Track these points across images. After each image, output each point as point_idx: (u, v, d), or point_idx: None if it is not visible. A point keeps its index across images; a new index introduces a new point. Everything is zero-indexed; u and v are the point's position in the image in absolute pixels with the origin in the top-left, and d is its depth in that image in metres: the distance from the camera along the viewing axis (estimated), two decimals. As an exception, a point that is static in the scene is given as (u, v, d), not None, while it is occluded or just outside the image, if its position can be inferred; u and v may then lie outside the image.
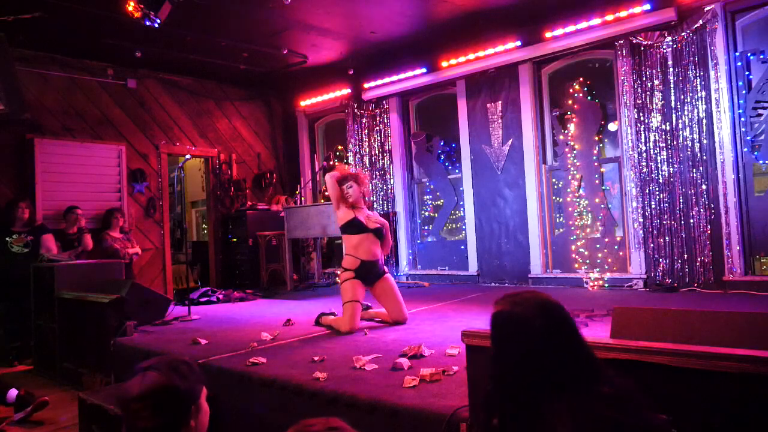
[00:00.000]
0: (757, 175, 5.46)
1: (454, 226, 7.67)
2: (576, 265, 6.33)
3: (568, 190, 6.45)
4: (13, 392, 3.91)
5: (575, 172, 6.38)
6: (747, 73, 5.38)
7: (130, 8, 4.89)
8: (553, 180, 6.71)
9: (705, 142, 5.51)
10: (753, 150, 5.37)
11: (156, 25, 4.95)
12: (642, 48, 5.83)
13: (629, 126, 5.93)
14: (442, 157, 7.72)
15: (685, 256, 5.59)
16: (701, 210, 5.51)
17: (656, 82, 5.76)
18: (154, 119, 7.77)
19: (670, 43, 5.68)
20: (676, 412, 1.44)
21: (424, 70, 7.47)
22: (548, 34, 6.42)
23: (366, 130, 8.19)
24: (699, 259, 5.51)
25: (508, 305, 1.40)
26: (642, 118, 5.84)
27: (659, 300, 5.08)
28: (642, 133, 5.85)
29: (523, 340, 1.34)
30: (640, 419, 1.22)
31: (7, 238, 5.77)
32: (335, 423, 1.13)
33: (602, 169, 6.33)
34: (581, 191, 6.35)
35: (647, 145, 5.82)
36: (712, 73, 5.45)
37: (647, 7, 5.75)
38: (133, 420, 1.44)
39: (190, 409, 1.52)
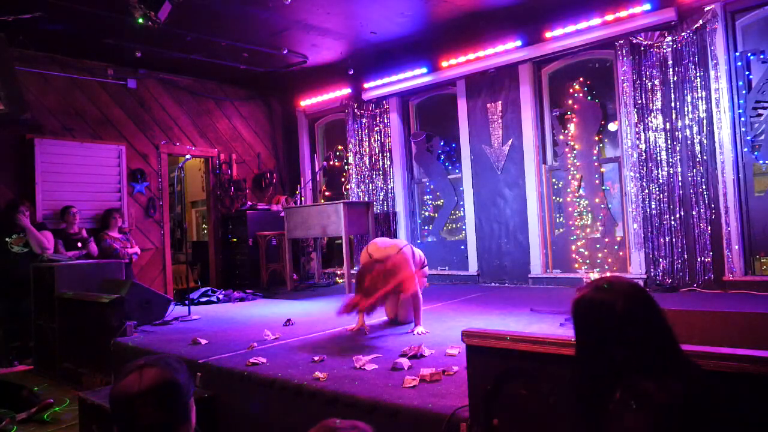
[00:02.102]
0: (757, 175, 5.45)
1: (454, 226, 7.67)
2: (576, 265, 6.32)
3: (568, 190, 6.45)
4: None
5: (575, 172, 6.38)
6: (747, 73, 5.38)
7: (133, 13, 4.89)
8: (553, 180, 6.71)
9: (705, 142, 5.50)
10: (753, 150, 5.37)
11: (156, 26, 4.96)
12: (642, 48, 5.83)
13: (629, 126, 5.93)
14: (442, 157, 7.72)
15: (685, 256, 5.59)
16: (701, 210, 5.51)
17: (656, 82, 5.76)
18: (154, 119, 7.77)
19: (670, 43, 5.68)
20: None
21: (424, 70, 7.47)
22: (548, 34, 6.42)
23: (366, 130, 8.19)
24: (699, 259, 5.51)
25: (591, 290, 1.40)
26: (642, 118, 5.84)
27: (659, 300, 5.01)
28: (642, 133, 5.85)
29: (603, 325, 1.34)
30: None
31: (7, 239, 5.77)
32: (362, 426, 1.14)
33: (602, 169, 6.33)
34: (581, 191, 6.35)
35: (647, 145, 5.81)
36: (712, 73, 5.45)
37: (647, 7, 5.75)
38: (134, 418, 1.39)
39: (189, 404, 1.50)
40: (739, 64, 5.40)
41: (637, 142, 5.86)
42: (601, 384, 1.31)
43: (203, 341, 4.07)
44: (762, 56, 5.32)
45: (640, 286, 1.42)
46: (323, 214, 6.93)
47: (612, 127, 6.31)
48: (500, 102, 6.95)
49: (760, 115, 5.31)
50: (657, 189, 5.76)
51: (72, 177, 6.84)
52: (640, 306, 1.35)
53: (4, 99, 5.74)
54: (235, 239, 8.22)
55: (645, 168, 5.83)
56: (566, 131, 6.49)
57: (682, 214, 5.61)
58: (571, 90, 6.41)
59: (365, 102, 8.13)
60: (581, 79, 6.38)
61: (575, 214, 6.36)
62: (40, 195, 6.54)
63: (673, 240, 5.66)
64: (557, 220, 6.70)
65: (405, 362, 3.02)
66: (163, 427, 1.41)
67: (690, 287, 5.53)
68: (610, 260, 6.14)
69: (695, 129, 5.55)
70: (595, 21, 6.07)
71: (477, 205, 7.18)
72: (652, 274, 5.79)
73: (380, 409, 2.49)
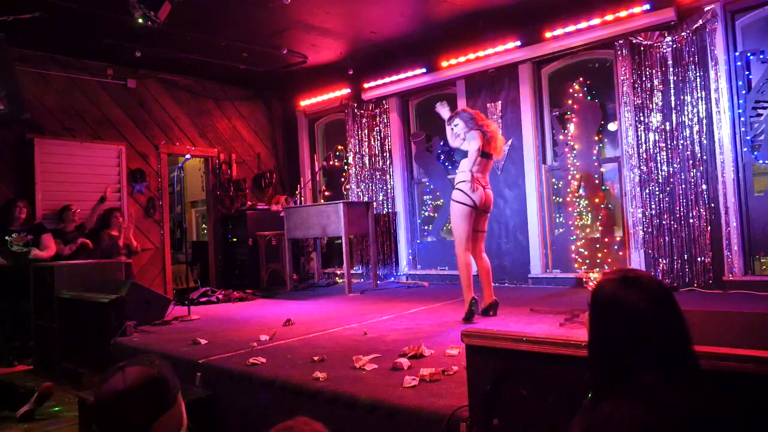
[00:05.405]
0: (757, 175, 5.45)
1: (454, 226, 7.66)
2: (576, 265, 6.32)
3: (568, 190, 6.45)
4: None
5: (575, 172, 6.38)
6: (747, 72, 5.38)
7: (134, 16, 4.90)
8: (553, 180, 6.71)
9: (705, 142, 5.51)
10: (753, 150, 5.37)
11: (156, 25, 4.96)
12: (642, 48, 5.83)
13: (629, 126, 5.93)
14: (442, 157, 7.72)
15: (685, 256, 5.59)
16: (701, 210, 5.51)
17: (656, 82, 5.76)
18: (154, 119, 7.77)
19: (670, 43, 5.68)
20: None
21: (423, 70, 7.47)
22: (548, 34, 6.42)
23: (366, 130, 8.19)
24: (699, 259, 5.51)
25: (615, 283, 1.36)
26: (642, 118, 5.84)
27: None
28: (642, 133, 5.85)
29: (622, 321, 1.31)
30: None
31: (7, 237, 5.77)
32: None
33: (602, 169, 6.33)
34: (581, 191, 6.35)
35: (647, 145, 5.81)
36: (712, 73, 5.45)
37: (647, 7, 5.75)
38: (123, 417, 1.39)
39: (178, 397, 1.50)
40: (739, 64, 5.40)
41: (637, 142, 5.86)
42: (608, 377, 1.30)
43: (203, 341, 4.07)
44: (762, 56, 5.32)
45: (664, 284, 1.39)
46: (323, 214, 6.92)
47: (612, 127, 6.31)
48: (500, 102, 6.95)
49: (759, 115, 5.31)
50: (657, 189, 5.76)
51: (72, 177, 6.84)
52: (662, 306, 1.33)
53: (4, 99, 5.74)
54: (234, 239, 8.22)
55: (645, 168, 5.83)
56: (566, 131, 6.49)
57: (682, 214, 5.61)
58: (570, 90, 6.41)
59: (365, 102, 8.13)
60: (581, 79, 6.37)
61: (575, 214, 6.36)
62: (40, 195, 6.55)
63: (673, 240, 5.66)
64: (557, 220, 6.70)
65: (405, 362, 3.02)
66: (151, 421, 1.41)
67: (690, 287, 5.53)
68: (609, 260, 6.13)
69: (695, 129, 5.55)
70: (595, 21, 6.07)
71: (477, 205, 7.17)
72: (652, 274, 5.77)
73: (380, 409, 2.49)
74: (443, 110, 4.79)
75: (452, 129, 4.66)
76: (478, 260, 4.56)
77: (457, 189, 4.45)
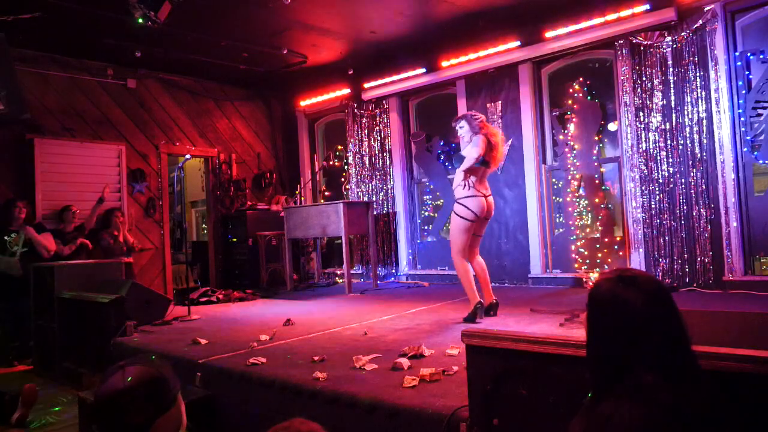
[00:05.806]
0: (757, 175, 5.45)
1: (454, 226, 7.66)
2: (576, 265, 6.32)
3: (568, 190, 6.45)
4: None
5: (575, 172, 6.38)
6: (747, 72, 5.38)
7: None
8: (553, 180, 6.71)
9: (705, 142, 5.51)
10: (753, 150, 5.37)
11: (156, 25, 4.96)
12: (642, 48, 5.83)
13: (629, 126, 5.93)
14: (442, 157, 7.72)
15: (685, 256, 5.59)
16: (701, 210, 5.51)
17: (656, 82, 5.76)
18: (154, 119, 7.77)
19: (670, 43, 5.68)
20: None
21: (423, 70, 7.47)
22: (548, 34, 6.42)
23: (366, 130, 8.19)
24: (699, 259, 5.51)
25: (613, 283, 1.35)
26: (642, 118, 5.84)
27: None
28: (642, 133, 5.85)
29: (620, 320, 1.31)
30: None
31: (6, 237, 5.77)
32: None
33: (602, 169, 6.33)
34: (581, 191, 6.35)
35: (647, 145, 5.82)
36: (712, 73, 5.45)
37: (647, 6, 5.75)
38: (123, 416, 1.38)
39: (177, 398, 1.49)
40: (739, 63, 5.40)
41: (637, 142, 5.86)
42: (608, 377, 1.30)
43: (203, 341, 4.07)
44: (762, 56, 5.32)
45: (662, 284, 1.39)
46: (323, 214, 6.92)
47: (612, 127, 6.31)
48: (500, 102, 6.95)
49: (759, 114, 5.31)
50: (657, 189, 5.76)
51: (72, 177, 6.84)
52: (660, 305, 1.32)
53: (4, 99, 5.74)
54: (234, 239, 8.22)
55: (645, 168, 5.83)
56: (566, 131, 6.49)
57: (682, 214, 5.61)
58: (570, 90, 6.41)
59: (365, 102, 8.13)
60: (581, 79, 6.37)
61: (575, 214, 6.36)
62: (40, 195, 6.54)
63: (673, 240, 5.66)
64: (557, 220, 6.70)
65: (405, 362, 3.02)
66: (151, 421, 1.40)
67: (690, 287, 5.53)
68: (610, 260, 6.13)
69: (695, 129, 5.55)
70: (595, 21, 6.07)
71: (477, 205, 7.16)
72: (649, 273, 5.77)
73: (380, 409, 2.49)
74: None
75: (457, 131, 4.65)
76: (473, 262, 4.58)
77: (459, 203, 4.45)
